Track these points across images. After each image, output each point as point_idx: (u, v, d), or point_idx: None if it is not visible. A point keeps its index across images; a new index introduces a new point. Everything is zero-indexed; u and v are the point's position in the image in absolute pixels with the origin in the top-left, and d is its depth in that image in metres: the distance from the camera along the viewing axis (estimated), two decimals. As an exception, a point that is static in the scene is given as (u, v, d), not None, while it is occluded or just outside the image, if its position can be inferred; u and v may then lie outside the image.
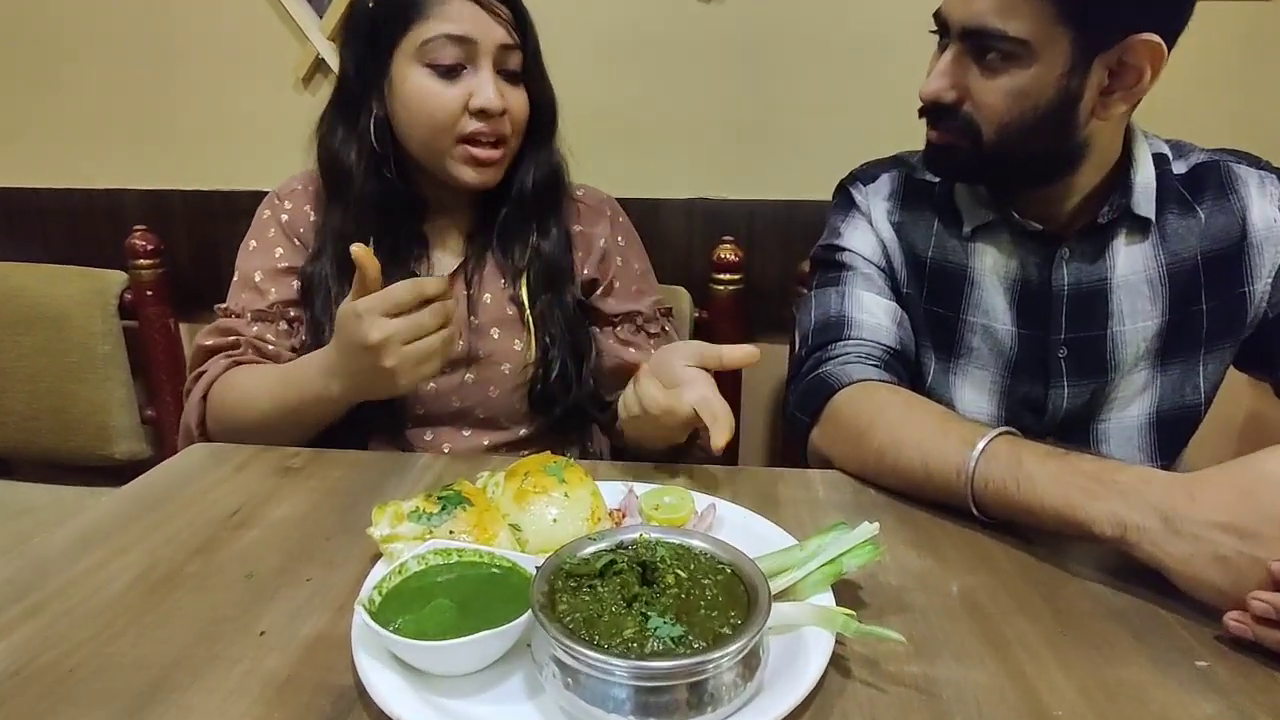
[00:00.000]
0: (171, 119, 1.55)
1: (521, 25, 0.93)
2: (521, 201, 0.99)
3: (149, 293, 1.51)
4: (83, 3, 1.50)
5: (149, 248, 1.50)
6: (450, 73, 0.89)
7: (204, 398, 0.91)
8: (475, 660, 0.48)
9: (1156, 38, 0.74)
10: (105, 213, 1.56)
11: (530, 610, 0.46)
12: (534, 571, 0.51)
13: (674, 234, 1.49)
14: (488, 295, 0.99)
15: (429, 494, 0.61)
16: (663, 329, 1.08)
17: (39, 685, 0.49)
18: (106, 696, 0.48)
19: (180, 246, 1.54)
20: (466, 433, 0.99)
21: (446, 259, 1.01)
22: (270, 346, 0.95)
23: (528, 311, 0.98)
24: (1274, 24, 1.35)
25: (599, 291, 1.05)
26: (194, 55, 1.51)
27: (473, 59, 0.90)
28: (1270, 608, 0.50)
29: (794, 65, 1.44)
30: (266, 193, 1.05)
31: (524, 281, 0.99)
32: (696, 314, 1.43)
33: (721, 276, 1.43)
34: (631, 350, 1.04)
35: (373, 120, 0.93)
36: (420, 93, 0.90)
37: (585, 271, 1.05)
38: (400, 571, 0.53)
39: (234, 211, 1.52)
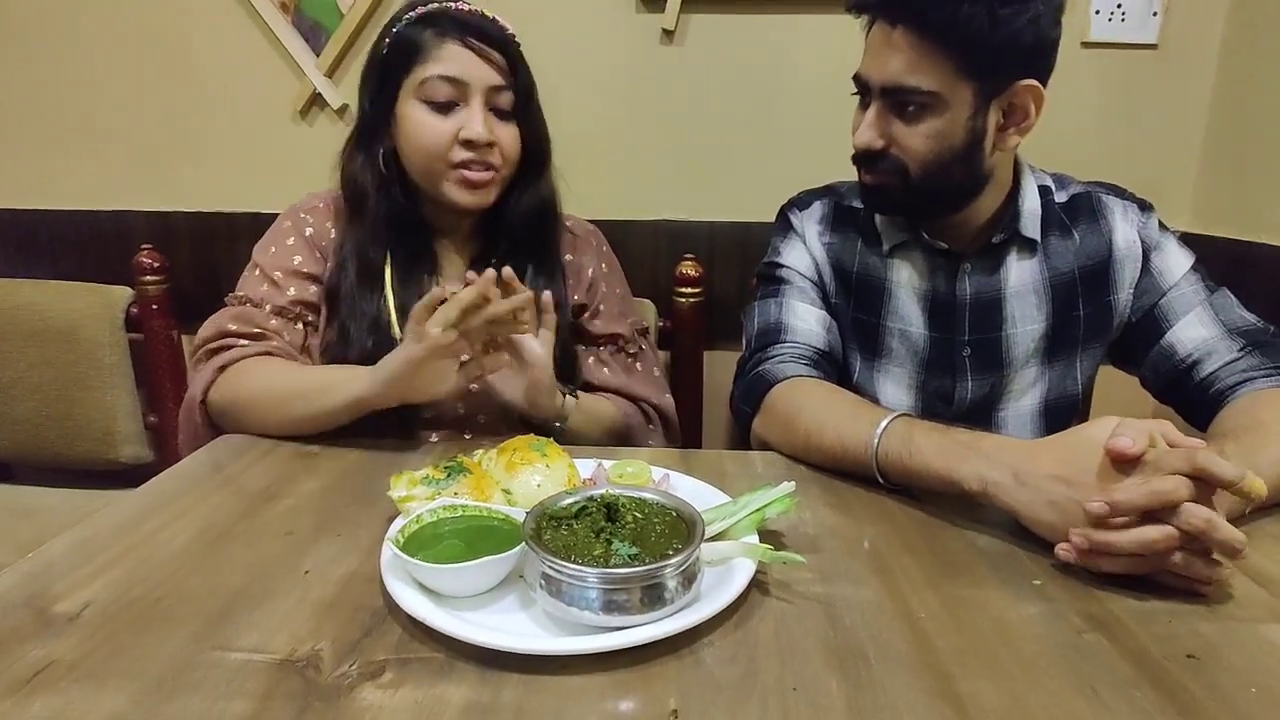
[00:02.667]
0: (177, 146, 1.66)
1: (513, 68, 1.05)
2: (517, 230, 1.12)
3: (154, 307, 1.62)
4: (95, 37, 1.62)
5: (155, 265, 1.61)
6: (445, 108, 1.02)
7: (222, 368, 0.99)
8: (482, 581, 0.63)
9: (1036, 82, 0.92)
10: (113, 232, 1.68)
11: (523, 542, 0.61)
12: (524, 518, 0.66)
13: (642, 251, 1.64)
14: None
15: (436, 465, 0.75)
16: (640, 348, 1.23)
17: (136, 610, 0.62)
18: (191, 617, 0.61)
19: (184, 264, 1.66)
20: (468, 436, 1.11)
21: (455, 281, 1.10)
22: (285, 336, 1.05)
23: None
24: (1144, 70, 1.55)
25: (586, 315, 1.19)
26: (199, 88, 1.64)
27: (465, 97, 1.02)
28: (1084, 540, 0.66)
29: (747, 100, 1.60)
30: (264, 214, 1.19)
31: None
32: (661, 324, 1.58)
33: (684, 290, 1.58)
34: (605, 371, 1.18)
35: (382, 150, 1.07)
36: (418, 125, 1.03)
37: (575, 298, 1.18)
38: (417, 521, 0.67)
39: (235, 232, 1.66)
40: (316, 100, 1.63)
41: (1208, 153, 1.57)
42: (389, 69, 1.05)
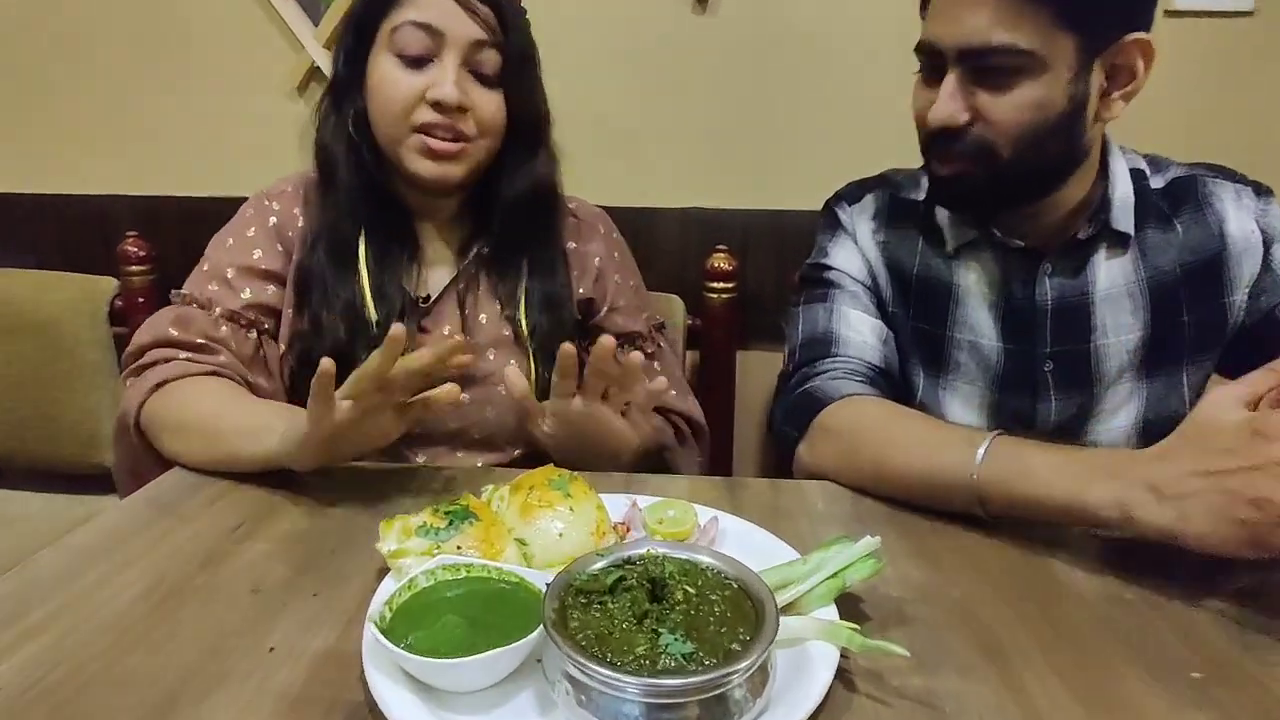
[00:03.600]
0: (165, 125, 1.54)
1: (504, 27, 0.90)
2: (508, 217, 0.97)
3: (140, 300, 1.50)
4: (78, 9, 1.49)
5: (141, 254, 1.49)
6: (416, 63, 0.88)
7: (159, 384, 0.85)
8: (487, 676, 0.49)
9: (1147, 36, 0.76)
10: (97, 219, 1.56)
11: (542, 626, 0.47)
12: (541, 586, 0.52)
13: (668, 243, 1.50)
14: (483, 315, 0.98)
15: (435, 508, 0.61)
16: (658, 346, 1.08)
17: (49, 703, 0.49)
18: (117, 713, 0.48)
19: (172, 254, 1.52)
20: (460, 454, 0.97)
21: (439, 273, 0.99)
22: (232, 345, 0.91)
23: (526, 337, 0.96)
24: (1248, 39, 1.38)
25: (602, 313, 1.04)
26: (189, 62, 1.51)
27: (439, 52, 0.88)
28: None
29: (787, 75, 1.45)
30: (276, 180, 1.03)
31: (521, 306, 0.97)
32: (690, 322, 1.44)
33: (715, 285, 1.44)
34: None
35: (354, 113, 0.93)
36: (385, 81, 0.89)
37: (581, 291, 1.03)
38: (410, 587, 0.54)
39: (227, 218, 1.52)
40: (315, 74, 1.49)
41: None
42: (364, 17, 0.92)
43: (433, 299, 0.97)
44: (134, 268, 1.49)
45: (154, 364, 0.88)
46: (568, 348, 0.77)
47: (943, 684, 0.52)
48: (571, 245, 1.04)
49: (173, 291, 0.95)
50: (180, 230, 1.55)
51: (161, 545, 0.67)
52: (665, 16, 1.44)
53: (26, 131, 1.56)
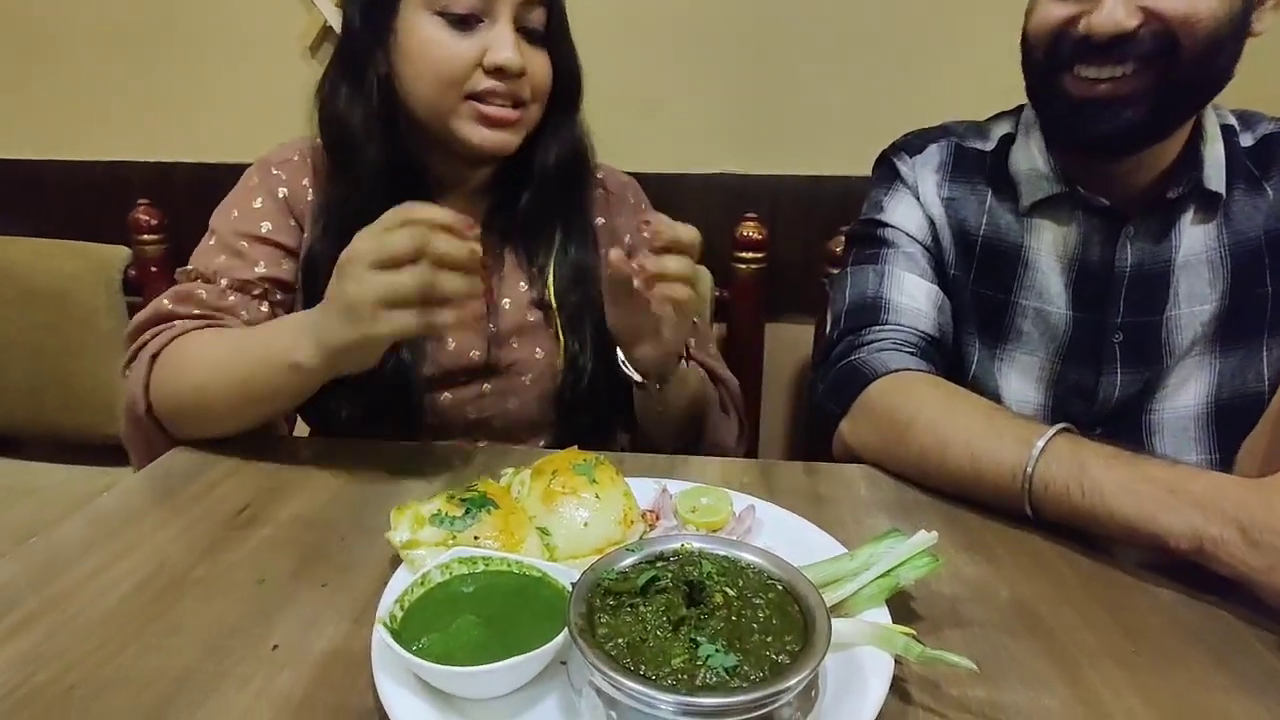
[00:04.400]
0: (175, 90, 1.50)
1: None
2: (543, 186, 0.91)
3: (153, 269, 1.48)
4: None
5: (153, 223, 1.46)
6: (464, 23, 0.81)
7: (155, 356, 0.79)
8: (507, 684, 0.44)
9: None
10: (108, 186, 1.53)
11: (566, 631, 0.42)
12: (565, 582, 0.48)
13: (694, 210, 1.41)
14: (506, 300, 0.92)
15: (451, 495, 0.57)
16: (692, 322, 1.01)
17: (35, 706, 0.45)
18: (109, 715, 0.44)
19: (185, 221, 1.48)
20: (482, 444, 0.91)
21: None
22: (243, 316, 0.84)
23: (555, 316, 0.91)
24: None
25: None
26: (198, 24, 1.47)
27: (490, 10, 0.81)
28: None
29: (820, 36, 1.38)
30: (279, 146, 0.96)
31: (550, 280, 0.91)
32: (718, 293, 1.39)
33: (744, 255, 1.38)
34: None
35: (377, 78, 0.84)
36: (428, 44, 0.81)
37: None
38: (423, 583, 0.49)
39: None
40: (328, 34, 1.44)
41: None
42: None
43: None
44: (146, 236, 1.46)
45: (146, 343, 0.81)
46: (617, 263, 0.72)
47: (1008, 696, 0.47)
48: (600, 221, 0.98)
49: (178, 270, 0.88)
50: (193, 197, 1.51)
51: (161, 532, 0.63)
52: (693, -27, 1.36)
53: (36, 98, 1.53)
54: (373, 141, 0.84)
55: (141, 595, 0.55)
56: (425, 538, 0.54)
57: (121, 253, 1.48)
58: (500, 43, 0.80)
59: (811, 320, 1.40)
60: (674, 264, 0.70)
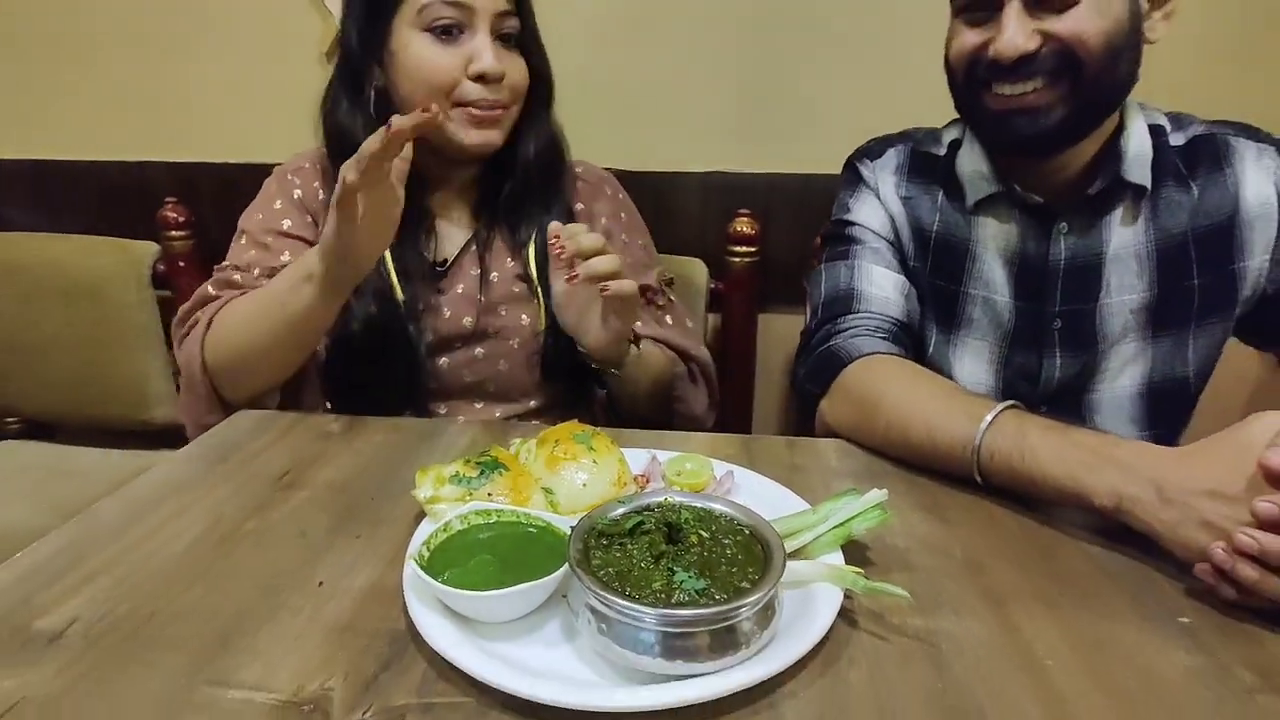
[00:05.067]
0: (200, 94, 1.58)
1: None
2: (524, 175, 1.02)
3: (181, 263, 1.56)
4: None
5: (180, 220, 1.54)
6: (448, 34, 0.92)
7: (209, 324, 0.91)
8: (517, 608, 0.53)
9: None
10: (137, 185, 1.61)
11: (567, 564, 0.51)
12: (567, 530, 0.56)
13: (690, 207, 1.52)
14: (495, 274, 1.02)
15: (468, 459, 0.66)
16: (669, 299, 1.12)
17: (121, 631, 0.54)
18: (183, 641, 0.53)
19: (209, 218, 1.58)
20: (479, 405, 1.03)
21: (454, 236, 1.03)
22: None
23: (536, 284, 1.01)
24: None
25: None
26: (221, 32, 1.54)
27: (470, 23, 0.92)
28: (1254, 543, 0.53)
29: (811, 37, 1.44)
30: (294, 156, 1.08)
31: (532, 256, 1.02)
32: (712, 285, 1.46)
33: (737, 249, 1.45)
34: (638, 324, 1.05)
35: (373, 91, 0.96)
36: (420, 58, 0.92)
37: None
38: (445, 530, 0.58)
39: (260, 183, 1.57)
40: (343, 41, 1.51)
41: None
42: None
43: (449, 262, 1.02)
44: (174, 233, 1.54)
45: (197, 322, 0.93)
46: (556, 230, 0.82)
47: (940, 624, 0.55)
48: (579, 206, 1.09)
49: (215, 266, 1.00)
50: (216, 195, 1.60)
51: (213, 494, 0.72)
52: (688, -21, 1.43)
53: (69, 101, 1.61)
54: None
55: (203, 544, 0.64)
56: (445, 494, 0.63)
57: (151, 248, 1.56)
58: (481, 52, 0.92)
59: (802, 311, 1.48)
60: (601, 265, 0.80)
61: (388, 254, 0.96)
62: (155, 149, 1.61)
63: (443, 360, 1.00)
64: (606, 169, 1.19)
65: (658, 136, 1.50)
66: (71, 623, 0.54)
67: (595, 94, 1.47)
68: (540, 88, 1.00)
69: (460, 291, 1.01)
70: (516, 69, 0.95)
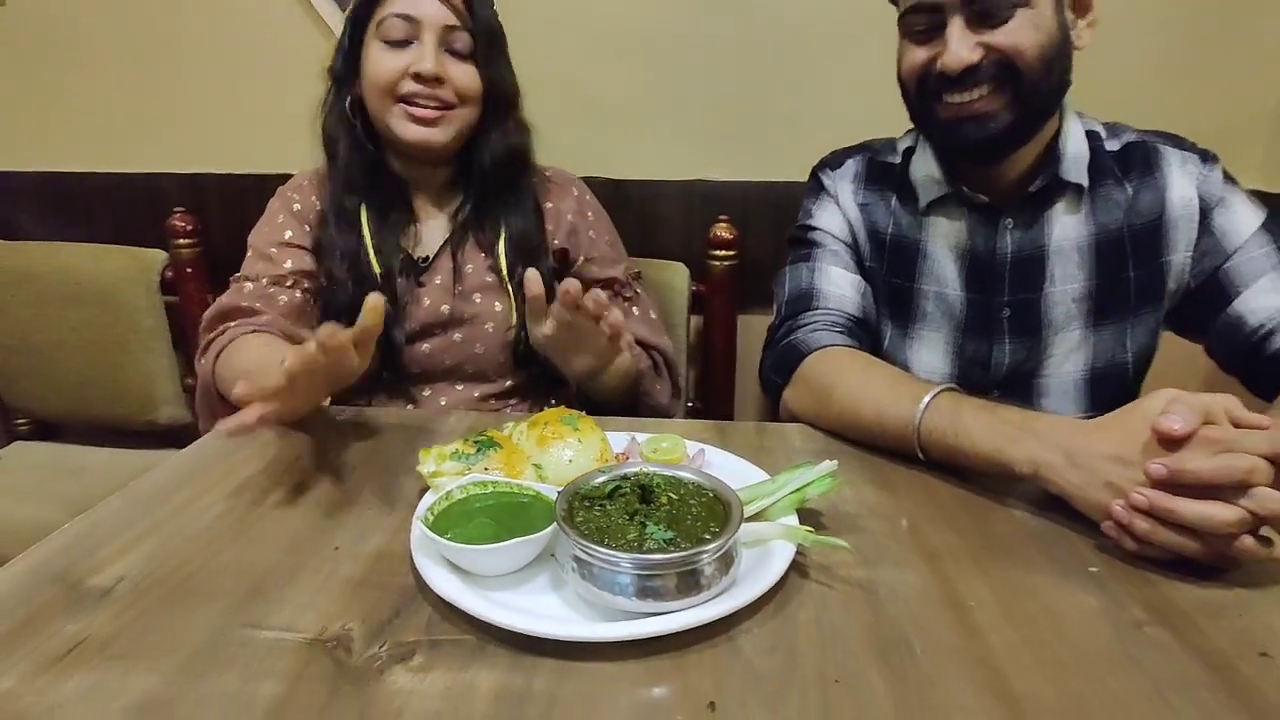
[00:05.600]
0: (208, 108, 1.65)
1: (471, 11, 1.06)
2: (482, 179, 1.13)
3: (188, 270, 1.63)
4: (127, 5, 1.61)
5: (188, 228, 1.62)
6: (399, 45, 1.04)
7: (217, 356, 1.01)
8: (512, 561, 0.61)
9: None
10: (146, 195, 1.68)
11: (555, 523, 0.59)
12: (553, 497, 0.64)
13: (673, 214, 1.60)
14: (469, 265, 1.13)
15: (466, 439, 0.74)
16: (635, 292, 1.22)
17: (168, 585, 0.62)
18: (220, 593, 0.61)
19: (216, 227, 1.66)
20: (459, 387, 1.14)
21: (434, 235, 1.15)
22: (281, 301, 1.08)
23: (505, 277, 1.12)
24: (1214, 8, 1.44)
25: (578, 263, 1.19)
26: (228, 49, 1.62)
27: (418, 34, 1.04)
28: (1145, 499, 0.62)
29: (784, 54, 1.53)
30: (292, 175, 1.19)
31: (501, 252, 1.13)
32: (694, 288, 1.54)
33: (717, 253, 1.54)
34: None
35: (351, 100, 1.10)
36: (373, 63, 1.06)
37: (555, 242, 1.18)
38: (447, 498, 0.66)
39: (265, 193, 1.61)
40: (343, 58, 1.59)
41: (1284, 103, 1.47)
42: (356, 17, 1.09)
43: (430, 258, 1.13)
44: (182, 241, 1.62)
45: (216, 337, 1.05)
46: (534, 286, 0.87)
47: (880, 575, 0.63)
48: (548, 205, 1.19)
49: (231, 276, 1.13)
50: (223, 205, 1.68)
51: (236, 473, 0.80)
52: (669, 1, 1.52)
53: (81, 115, 1.68)
54: (349, 149, 1.11)
55: (229, 516, 0.72)
56: (447, 469, 0.71)
57: (160, 256, 1.64)
58: (422, 56, 1.04)
59: (779, 311, 1.56)
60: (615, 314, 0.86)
61: (366, 235, 1.10)
62: (164, 161, 1.68)
63: (424, 346, 1.11)
64: (593, 177, 1.28)
65: (642, 147, 1.58)
66: (119, 580, 0.62)
67: (582, 106, 1.55)
68: (496, 98, 1.11)
69: (438, 283, 1.12)
70: (462, 75, 1.07)
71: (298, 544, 0.68)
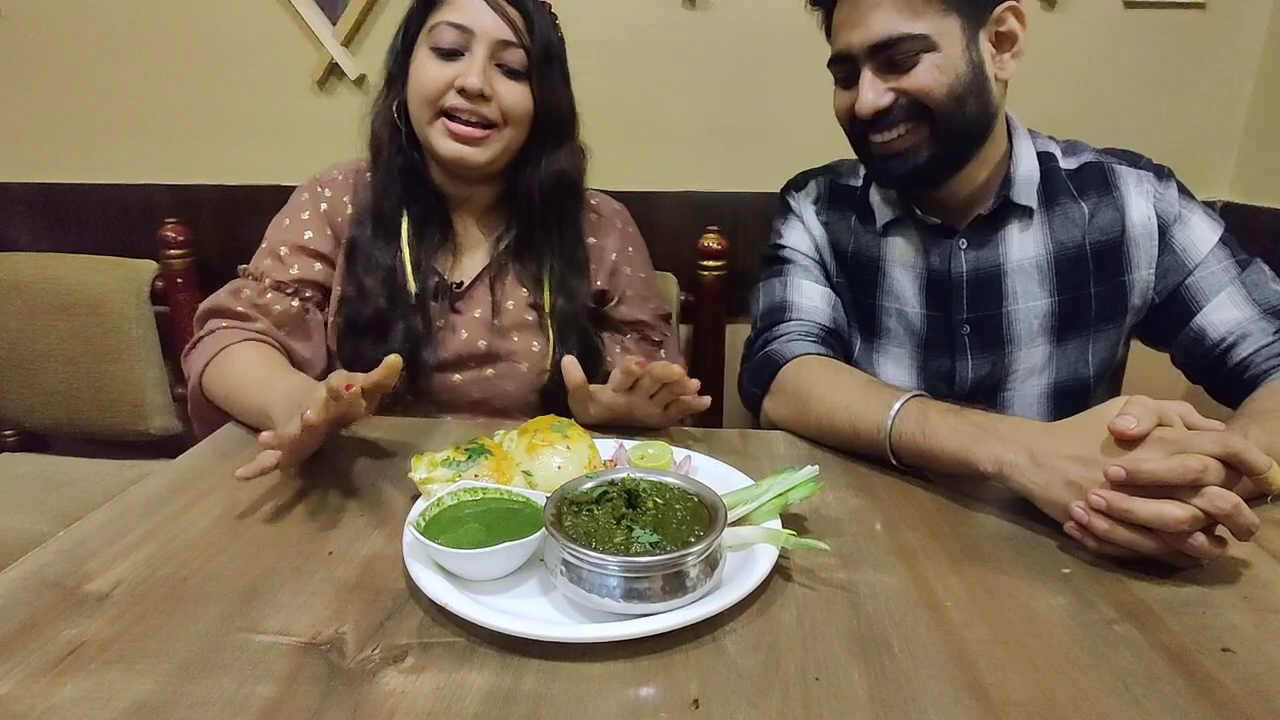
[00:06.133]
0: (198, 119, 1.66)
1: (530, 27, 1.01)
2: (530, 209, 1.08)
3: (179, 280, 1.64)
4: (117, 12, 1.61)
5: (179, 239, 1.62)
6: (449, 55, 1.00)
7: (208, 362, 0.98)
8: (502, 566, 0.63)
9: (1016, 1, 0.90)
10: (138, 206, 1.69)
11: (544, 527, 0.60)
12: (542, 503, 0.65)
13: (665, 224, 1.62)
14: (510, 301, 1.09)
15: (457, 446, 0.75)
16: (664, 335, 1.20)
17: (164, 589, 0.63)
18: (217, 596, 0.62)
19: (207, 237, 1.67)
20: (481, 420, 1.08)
21: (473, 259, 1.11)
22: (276, 310, 1.04)
23: (547, 316, 1.08)
24: (1190, 31, 1.48)
25: (612, 303, 1.16)
26: (219, 61, 1.63)
27: (469, 46, 1.00)
28: (1102, 500, 0.64)
29: (772, 67, 1.56)
30: (286, 186, 1.17)
31: (545, 289, 1.09)
32: (684, 298, 1.57)
33: (707, 263, 1.56)
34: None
35: (397, 105, 1.06)
36: (419, 69, 1.02)
37: (598, 283, 1.14)
38: (438, 504, 0.67)
39: (257, 205, 1.63)
40: (334, 70, 1.61)
41: (1254, 119, 1.51)
42: (410, 20, 1.05)
43: (466, 285, 1.09)
44: (172, 251, 1.62)
45: (205, 336, 1.02)
46: (573, 375, 0.89)
47: (860, 577, 0.65)
48: (591, 240, 1.15)
49: (239, 266, 1.10)
50: (214, 216, 1.69)
51: (230, 481, 0.80)
52: (659, 13, 1.55)
53: (74, 126, 1.69)
54: (393, 151, 1.06)
55: (224, 522, 0.73)
56: (438, 476, 0.72)
57: (151, 266, 1.64)
58: (470, 70, 0.99)
59: (766, 320, 1.59)
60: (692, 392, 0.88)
61: (405, 247, 1.06)
62: (156, 172, 1.69)
63: (455, 377, 1.07)
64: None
65: (634, 159, 1.60)
66: (116, 585, 0.63)
67: (581, 118, 1.57)
68: (549, 120, 1.05)
69: (476, 316, 1.08)
70: (510, 93, 1.01)
71: (292, 549, 0.69)
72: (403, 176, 1.07)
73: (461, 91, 0.99)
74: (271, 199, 1.19)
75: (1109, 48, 1.48)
